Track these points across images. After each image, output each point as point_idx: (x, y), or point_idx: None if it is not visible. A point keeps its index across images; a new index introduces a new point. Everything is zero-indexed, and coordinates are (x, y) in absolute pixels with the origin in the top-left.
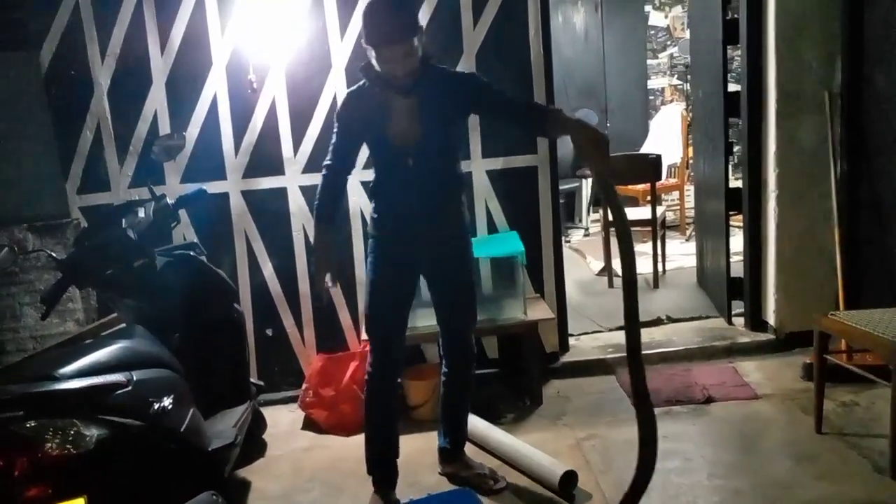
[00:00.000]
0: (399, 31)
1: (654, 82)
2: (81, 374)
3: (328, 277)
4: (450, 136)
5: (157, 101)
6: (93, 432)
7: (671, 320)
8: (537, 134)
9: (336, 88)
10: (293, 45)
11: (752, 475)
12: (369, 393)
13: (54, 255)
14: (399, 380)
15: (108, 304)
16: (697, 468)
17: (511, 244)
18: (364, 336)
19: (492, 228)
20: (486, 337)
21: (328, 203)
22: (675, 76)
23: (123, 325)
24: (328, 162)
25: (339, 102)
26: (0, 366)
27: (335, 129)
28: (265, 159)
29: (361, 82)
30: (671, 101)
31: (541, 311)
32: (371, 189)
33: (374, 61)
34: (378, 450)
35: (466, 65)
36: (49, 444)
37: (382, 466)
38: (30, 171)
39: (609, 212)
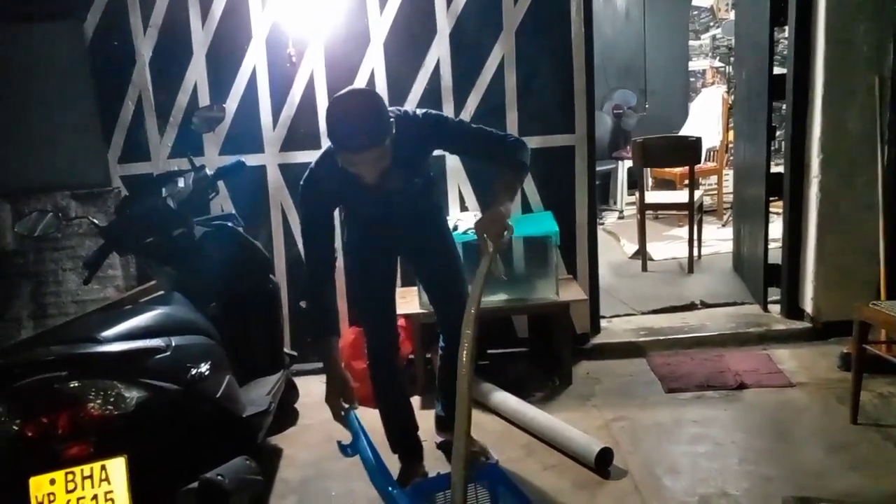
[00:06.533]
0: (368, 139)
1: (696, 64)
2: (122, 337)
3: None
4: (425, 169)
5: (197, 72)
6: (133, 394)
7: (705, 305)
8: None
9: (374, 63)
10: (332, 20)
11: (783, 462)
12: (374, 378)
13: (96, 222)
14: (398, 360)
15: (148, 271)
16: (728, 453)
17: (545, 224)
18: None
19: (526, 208)
20: (516, 316)
21: (327, 309)
22: (718, 58)
23: (161, 292)
24: (312, 260)
25: (304, 187)
26: (43, 328)
27: (306, 220)
28: (302, 133)
29: (322, 153)
30: (712, 83)
31: (573, 291)
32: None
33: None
34: (395, 429)
35: (506, 43)
36: (91, 404)
37: (403, 443)
38: (73, 140)
39: (641, 195)
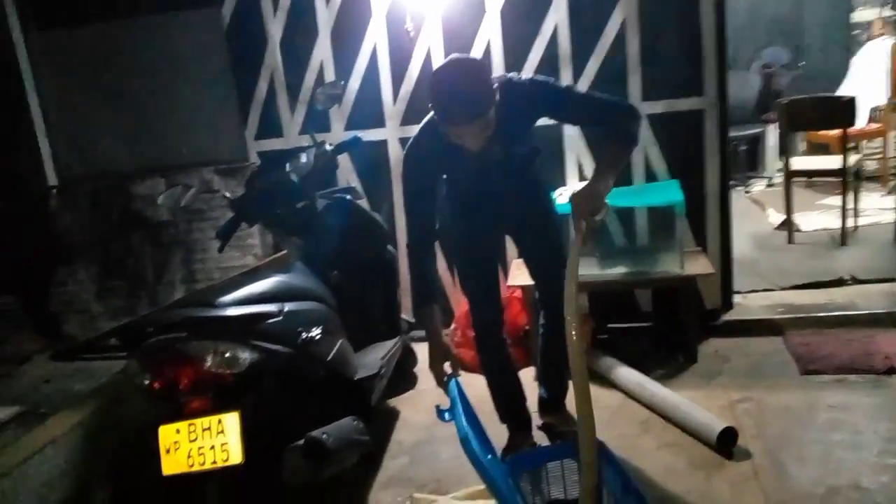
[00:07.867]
0: (471, 111)
1: (861, 14)
2: (239, 303)
3: (447, 366)
4: (528, 139)
5: (322, 51)
6: (246, 355)
7: (856, 281)
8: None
9: (490, 33)
10: None
11: None
12: (479, 350)
13: (228, 195)
14: (503, 333)
15: (277, 241)
16: (867, 443)
17: (669, 193)
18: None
19: (650, 177)
20: (639, 290)
21: (426, 280)
22: (889, 6)
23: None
24: (414, 228)
25: (407, 156)
26: (192, 290)
27: (408, 189)
28: (421, 107)
29: (424, 122)
30: (880, 35)
31: (700, 265)
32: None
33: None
34: (503, 399)
35: (627, 4)
36: (209, 363)
37: (511, 413)
38: (215, 119)
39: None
